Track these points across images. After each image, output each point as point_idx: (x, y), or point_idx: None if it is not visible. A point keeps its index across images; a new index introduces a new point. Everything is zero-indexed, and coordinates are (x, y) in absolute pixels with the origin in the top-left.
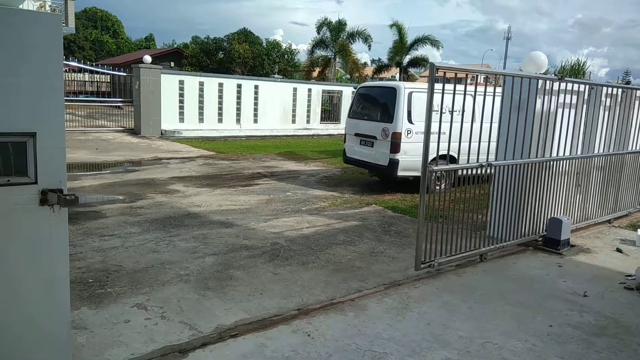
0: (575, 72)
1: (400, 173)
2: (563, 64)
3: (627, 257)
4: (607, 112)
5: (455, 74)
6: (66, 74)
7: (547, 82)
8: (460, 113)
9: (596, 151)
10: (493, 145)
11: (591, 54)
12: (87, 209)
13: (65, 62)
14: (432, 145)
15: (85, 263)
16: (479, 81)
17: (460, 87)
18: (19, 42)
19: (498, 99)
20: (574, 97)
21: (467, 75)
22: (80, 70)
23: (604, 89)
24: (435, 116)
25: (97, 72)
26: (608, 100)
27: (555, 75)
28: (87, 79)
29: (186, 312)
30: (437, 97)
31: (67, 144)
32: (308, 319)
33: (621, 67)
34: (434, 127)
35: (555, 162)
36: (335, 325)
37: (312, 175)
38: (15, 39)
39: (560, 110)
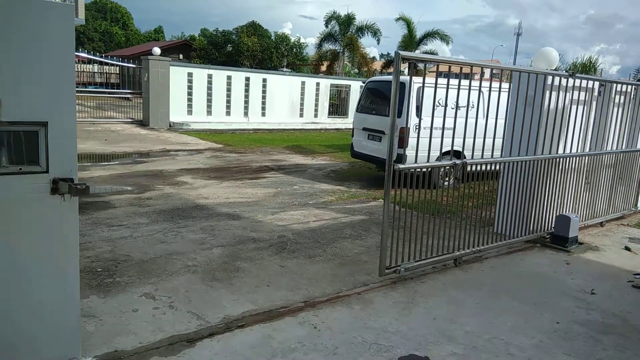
0: (587, 69)
1: None
2: (575, 61)
3: (636, 256)
4: (618, 109)
5: (437, 66)
6: (76, 65)
7: (557, 77)
8: (466, 108)
9: (605, 149)
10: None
11: (603, 51)
12: (96, 199)
13: (75, 53)
14: (437, 142)
15: (94, 252)
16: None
17: (444, 81)
18: (32, 31)
19: (495, 94)
20: (582, 94)
21: (471, 69)
22: (89, 61)
23: (615, 85)
24: (438, 111)
25: (107, 64)
26: (618, 97)
27: (566, 71)
28: (96, 70)
29: (194, 302)
30: (442, 92)
31: (76, 134)
32: (314, 312)
33: (633, 65)
34: (437, 122)
35: (558, 159)
36: (341, 318)
37: (319, 169)
38: (28, 28)
39: (569, 107)
